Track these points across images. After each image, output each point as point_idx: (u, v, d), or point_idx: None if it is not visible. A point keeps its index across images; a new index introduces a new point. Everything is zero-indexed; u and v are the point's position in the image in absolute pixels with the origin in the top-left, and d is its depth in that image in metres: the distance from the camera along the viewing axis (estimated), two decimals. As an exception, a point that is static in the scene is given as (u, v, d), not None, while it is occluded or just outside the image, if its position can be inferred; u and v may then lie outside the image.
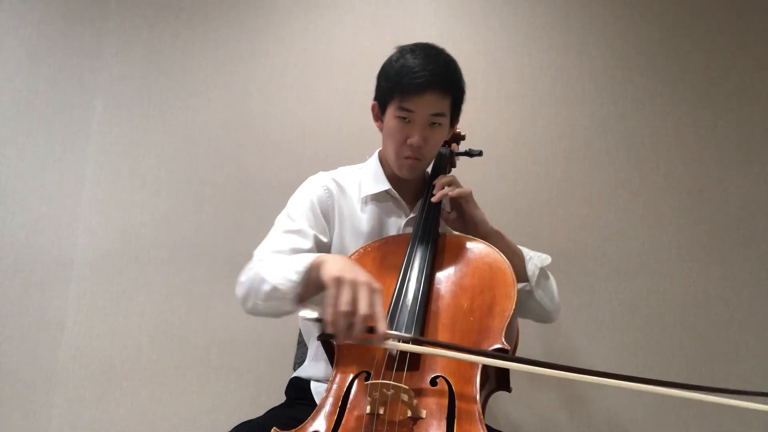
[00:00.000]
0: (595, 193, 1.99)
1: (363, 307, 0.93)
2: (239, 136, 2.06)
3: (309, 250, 1.24)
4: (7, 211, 1.97)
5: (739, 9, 2.09)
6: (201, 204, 2.01)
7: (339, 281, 0.95)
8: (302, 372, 1.36)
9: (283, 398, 1.36)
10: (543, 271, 1.33)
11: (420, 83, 1.23)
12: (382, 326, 0.93)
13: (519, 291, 1.32)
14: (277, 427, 0.97)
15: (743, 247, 1.94)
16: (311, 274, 1.06)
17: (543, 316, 1.39)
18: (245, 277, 1.17)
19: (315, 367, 1.32)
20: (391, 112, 1.29)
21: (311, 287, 1.06)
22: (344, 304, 0.93)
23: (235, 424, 1.16)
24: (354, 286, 0.95)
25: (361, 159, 1.48)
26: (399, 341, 1.01)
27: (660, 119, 2.04)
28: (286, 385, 1.38)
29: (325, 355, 1.17)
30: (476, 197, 1.36)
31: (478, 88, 2.05)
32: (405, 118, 1.27)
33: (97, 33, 2.12)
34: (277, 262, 1.14)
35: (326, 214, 1.34)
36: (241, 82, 2.10)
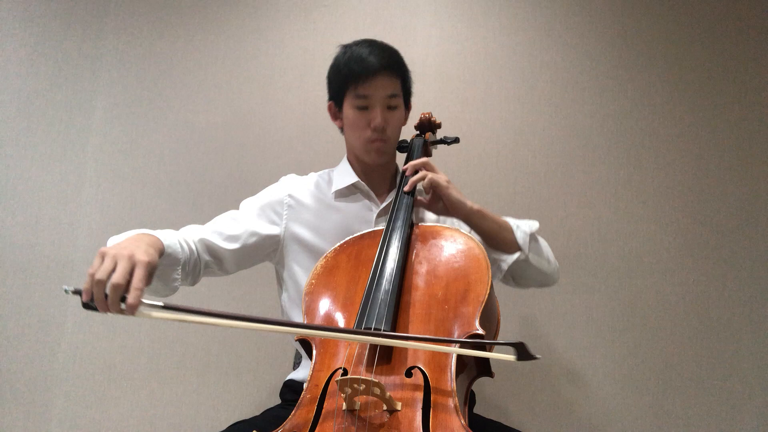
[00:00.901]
0: (595, 193, 1.99)
1: (116, 277, 0.93)
2: (239, 136, 2.06)
3: (234, 236, 1.33)
4: (7, 211, 1.97)
5: (739, 9, 2.09)
6: (201, 204, 2.01)
7: (103, 253, 0.97)
8: (296, 374, 1.37)
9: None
10: (533, 236, 1.35)
11: (371, 67, 1.31)
12: (132, 296, 0.93)
13: (515, 262, 1.32)
14: (269, 427, 0.97)
15: (743, 247, 1.94)
16: None
17: (544, 281, 1.40)
18: None
19: (308, 369, 1.31)
20: (348, 103, 1.35)
21: None
22: (100, 273, 0.94)
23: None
24: (115, 258, 0.96)
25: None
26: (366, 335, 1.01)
27: (660, 119, 2.04)
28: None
29: None
30: (476, 198, 1.35)
31: (478, 88, 2.05)
32: (363, 106, 1.33)
33: (96, 33, 2.12)
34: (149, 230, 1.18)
35: (280, 213, 1.38)
36: (241, 82, 2.10)
